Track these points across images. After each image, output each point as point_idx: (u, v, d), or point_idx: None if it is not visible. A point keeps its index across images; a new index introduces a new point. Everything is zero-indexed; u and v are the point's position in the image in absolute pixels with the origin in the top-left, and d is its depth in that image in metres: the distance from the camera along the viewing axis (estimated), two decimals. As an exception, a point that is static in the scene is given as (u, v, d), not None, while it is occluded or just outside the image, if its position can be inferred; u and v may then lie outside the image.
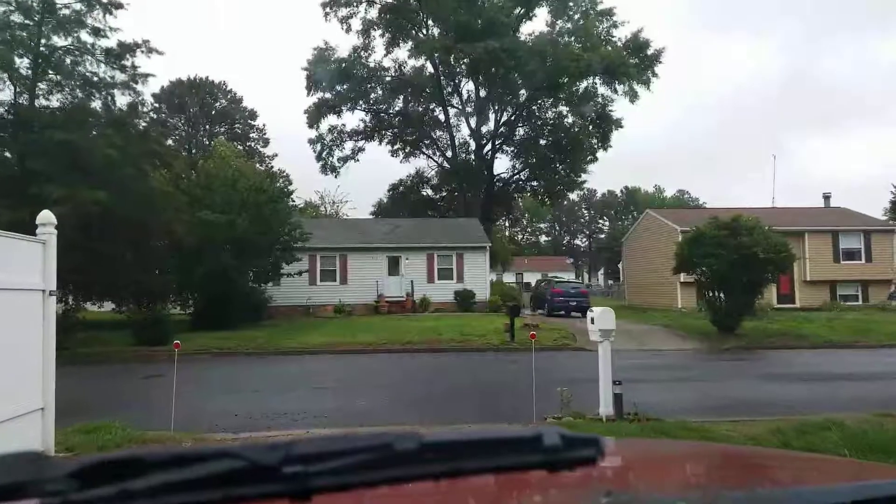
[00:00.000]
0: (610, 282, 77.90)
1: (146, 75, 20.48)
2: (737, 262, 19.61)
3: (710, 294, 21.19)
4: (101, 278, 19.26)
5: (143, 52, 20.24)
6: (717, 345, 19.62)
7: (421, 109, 47.41)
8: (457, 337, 20.55)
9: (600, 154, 45.28)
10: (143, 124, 22.70)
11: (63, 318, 19.20)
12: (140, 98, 21.49)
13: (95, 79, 19.74)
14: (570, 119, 44.69)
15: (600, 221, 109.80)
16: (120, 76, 19.71)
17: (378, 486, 0.64)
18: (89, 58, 19.60)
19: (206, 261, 22.75)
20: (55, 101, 19.48)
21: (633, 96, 40.99)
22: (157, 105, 62.87)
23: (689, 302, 31.60)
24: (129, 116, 20.64)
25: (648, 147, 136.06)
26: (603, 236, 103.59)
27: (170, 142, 56.47)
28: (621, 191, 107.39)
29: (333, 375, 14.80)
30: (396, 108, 47.85)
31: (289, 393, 12.11)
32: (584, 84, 41.78)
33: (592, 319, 8.45)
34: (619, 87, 40.81)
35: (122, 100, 20.08)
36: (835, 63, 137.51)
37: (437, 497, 0.98)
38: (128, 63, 19.88)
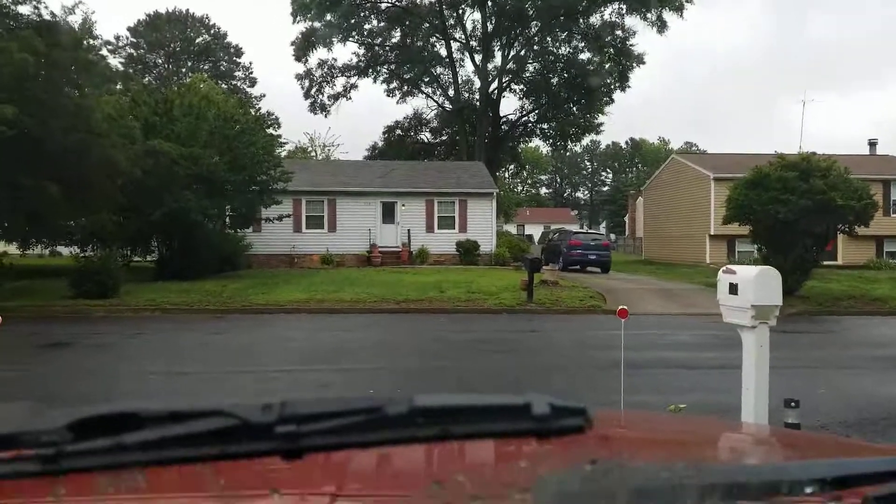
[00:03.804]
0: (612, 235, 74.50)
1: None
2: (808, 209, 16.10)
3: (769, 248, 17.71)
4: (28, 218, 15.61)
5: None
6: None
7: (420, 43, 42.91)
8: (462, 295, 17.08)
9: (617, 95, 41.18)
10: (92, 42, 18.65)
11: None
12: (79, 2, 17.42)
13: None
14: (585, 55, 40.36)
15: (603, 173, 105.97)
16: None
17: (368, 448, 0.65)
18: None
19: (165, 200, 19.09)
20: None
21: (661, 27, 36.59)
22: (133, 40, 58.27)
23: (720, 257, 28.24)
24: (65, 25, 16.59)
25: (653, 97, 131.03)
26: (606, 189, 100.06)
27: (147, 79, 52.22)
28: (626, 142, 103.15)
29: (306, 345, 11.34)
30: (393, 41, 43.31)
31: (227, 378, 8.60)
32: (607, 10, 37.31)
33: (734, 287, 4.73)
34: (649, 15, 36.14)
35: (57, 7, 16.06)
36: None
37: (426, 459, 1.01)
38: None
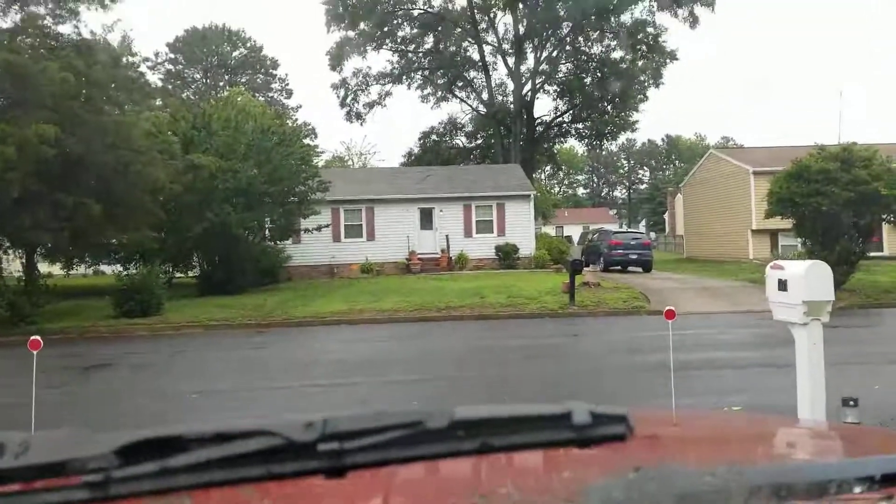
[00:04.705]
0: (653, 234, 73.25)
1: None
2: (851, 200, 15.57)
3: (813, 241, 17.14)
4: (71, 237, 15.91)
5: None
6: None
7: (453, 48, 42.81)
8: (503, 300, 16.87)
9: (651, 92, 40.43)
10: (132, 59, 18.98)
11: (26, 285, 16.13)
12: (118, 22, 17.71)
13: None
14: (618, 53, 39.76)
15: (640, 171, 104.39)
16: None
17: (410, 463, 0.65)
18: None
19: (206, 216, 19.30)
20: (7, 22, 15.88)
21: (693, 22, 35.88)
22: (172, 56, 59.57)
23: (763, 252, 27.48)
24: (104, 43, 16.90)
25: (687, 93, 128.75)
26: (644, 186, 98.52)
27: (186, 94, 53.29)
28: (662, 139, 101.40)
29: (347, 356, 11.29)
30: (426, 48, 43.32)
31: (269, 393, 8.54)
32: (638, 8, 36.72)
33: (784, 283, 4.47)
34: (680, 11, 35.53)
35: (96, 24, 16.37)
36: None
37: (469, 472, 1.01)
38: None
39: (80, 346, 13.19)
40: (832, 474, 0.75)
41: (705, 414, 3.47)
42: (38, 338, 5.22)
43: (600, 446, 0.68)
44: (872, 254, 26.27)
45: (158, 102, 20.25)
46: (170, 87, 45.35)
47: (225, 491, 0.63)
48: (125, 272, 18.16)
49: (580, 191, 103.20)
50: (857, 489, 0.73)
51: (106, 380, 10.09)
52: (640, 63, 39.42)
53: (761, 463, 1.22)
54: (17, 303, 15.00)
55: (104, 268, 22.62)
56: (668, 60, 39.36)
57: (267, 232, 23.43)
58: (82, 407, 8.01)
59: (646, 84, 40.46)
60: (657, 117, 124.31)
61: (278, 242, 24.52)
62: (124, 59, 16.67)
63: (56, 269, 21.01)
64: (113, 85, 15.78)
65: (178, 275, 22.78)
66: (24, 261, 18.04)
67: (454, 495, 0.94)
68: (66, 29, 17.03)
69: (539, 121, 43.82)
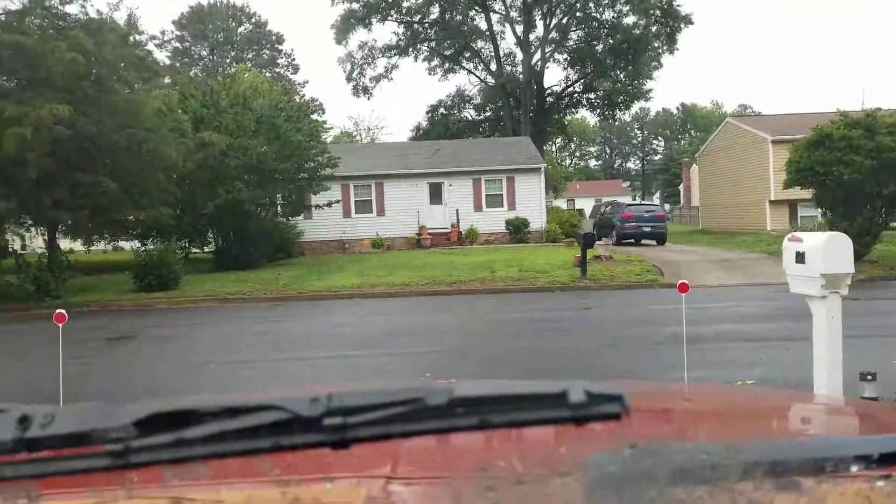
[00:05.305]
0: (667, 206, 72.67)
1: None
2: (875, 169, 15.30)
3: (834, 211, 16.94)
4: (90, 214, 16.09)
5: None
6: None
7: (460, 17, 42.25)
8: (514, 274, 16.89)
9: (665, 59, 39.80)
10: (139, 37, 18.89)
11: (49, 261, 16.34)
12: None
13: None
14: (630, 18, 39.04)
15: (654, 142, 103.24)
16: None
17: (411, 438, 0.68)
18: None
19: (218, 192, 19.44)
20: (15, 3, 15.83)
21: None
22: (178, 33, 59.29)
23: (781, 223, 27.21)
24: (112, 22, 16.83)
25: (703, 59, 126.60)
26: (658, 157, 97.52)
27: (194, 72, 53.14)
28: (677, 108, 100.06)
29: (360, 329, 11.37)
30: (432, 18, 42.77)
31: (285, 364, 8.66)
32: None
33: (802, 256, 4.44)
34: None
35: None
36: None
37: (469, 447, 1.04)
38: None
39: (103, 318, 13.43)
40: (830, 451, 0.76)
41: (717, 388, 3.49)
42: (62, 311, 5.36)
43: (598, 424, 0.70)
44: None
45: (167, 80, 20.20)
46: (177, 64, 45.19)
47: (236, 461, 0.66)
48: (143, 248, 18.44)
49: (592, 163, 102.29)
50: (854, 468, 0.73)
51: (130, 351, 10.26)
52: (653, 28, 38.70)
53: (761, 439, 1.22)
54: (41, 278, 15.31)
55: (123, 244, 22.95)
56: (682, 25, 38.60)
57: (279, 208, 23.60)
58: (109, 378, 8.16)
59: (660, 50, 39.81)
60: (672, 85, 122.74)
61: (290, 218, 24.70)
62: (132, 38, 16.64)
63: (77, 246, 21.36)
64: (122, 64, 15.79)
65: (194, 250, 23.05)
66: (45, 238, 18.31)
67: (454, 467, 0.98)
68: (73, 9, 17.00)
69: (549, 91, 43.33)
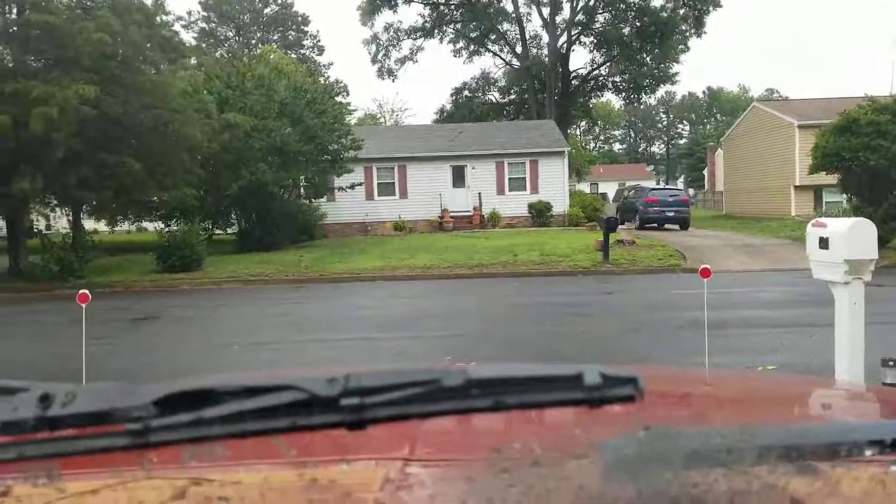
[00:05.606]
0: (691, 190, 71.78)
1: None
2: (903, 155, 15.03)
3: (860, 197, 16.67)
4: (115, 195, 16.30)
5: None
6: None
7: (486, 0, 41.95)
8: (536, 258, 16.87)
9: (693, 42, 39.11)
10: (165, 18, 19.00)
11: (73, 241, 16.63)
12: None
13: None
14: (658, 1, 38.39)
15: (679, 126, 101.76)
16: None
17: (427, 418, 0.69)
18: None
19: (242, 174, 19.60)
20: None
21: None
22: (204, 14, 59.54)
23: (806, 209, 26.80)
24: (138, 2, 16.95)
25: (731, 43, 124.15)
26: (683, 141, 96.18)
27: (219, 53, 53.40)
28: (703, 92, 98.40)
29: (382, 312, 11.46)
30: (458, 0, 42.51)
31: (307, 346, 8.75)
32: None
33: (825, 241, 4.40)
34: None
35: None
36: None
37: (485, 429, 1.06)
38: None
39: (127, 299, 13.66)
40: (845, 436, 0.76)
41: (734, 373, 3.46)
42: (86, 291, 5.39)
43: (613, 406, 0.70)
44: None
45: (193, 62, 20.33)
46: (203, 45, 45.44)
47: (254, 441, 0.67)
48: (167, 229, 18.65)
49: (616, 146, 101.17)
50: (869, 452, 0.73)
51: (153, 332, 10.43)
52: (681, 11, 38.06)
53: (777, 423, 1.22)
54: (65, 258, 15.55)
55: (146, 225, 23.24)
56: (710, 8, 37.90)
57: (301, 190, 23.74)
58: (132, 359, 8.31)
59: (687, 34, 39.15)
60: (698, 69, 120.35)
61: (313, 200, 24.83)
62: (158, 19, 16.76)
63: (101, 226, 21.66)
64: (148, 45, 15.91)
65: (217, 232, 23.31)
66: (70, 218, 18.60)
67: (469, 448, 0.99)
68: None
69: (574, 74, 42.87)
